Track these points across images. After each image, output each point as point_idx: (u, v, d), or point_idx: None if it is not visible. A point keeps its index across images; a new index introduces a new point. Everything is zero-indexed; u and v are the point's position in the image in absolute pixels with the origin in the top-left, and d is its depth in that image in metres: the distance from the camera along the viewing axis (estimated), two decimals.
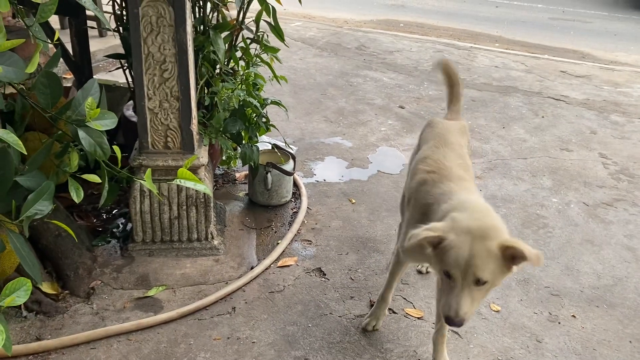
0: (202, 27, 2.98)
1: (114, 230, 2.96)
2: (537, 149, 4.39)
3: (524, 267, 2.86)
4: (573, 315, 2.58)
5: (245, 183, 3.59)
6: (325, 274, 2.77)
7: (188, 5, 2.41)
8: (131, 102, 3.31)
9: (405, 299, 2.63)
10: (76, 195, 2.05)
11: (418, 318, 2.51)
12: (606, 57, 7.71)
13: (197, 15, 3.02)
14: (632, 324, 2.55)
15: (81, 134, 2.03)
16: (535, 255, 1.62)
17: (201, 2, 2.99)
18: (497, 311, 2.58)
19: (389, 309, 2.51)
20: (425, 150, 2.28)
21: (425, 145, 2.33)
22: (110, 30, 2.66)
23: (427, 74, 6.19)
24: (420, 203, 2.06)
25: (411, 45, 7.45)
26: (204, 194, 2.67)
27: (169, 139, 2.59)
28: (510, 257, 1.66)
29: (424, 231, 1.71)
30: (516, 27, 9.47)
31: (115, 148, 2.16)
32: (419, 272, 2.83)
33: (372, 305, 2.55)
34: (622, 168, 4.13)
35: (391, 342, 2.36)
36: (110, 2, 3.00)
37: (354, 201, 3.48)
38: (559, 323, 2.53)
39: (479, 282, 1.65)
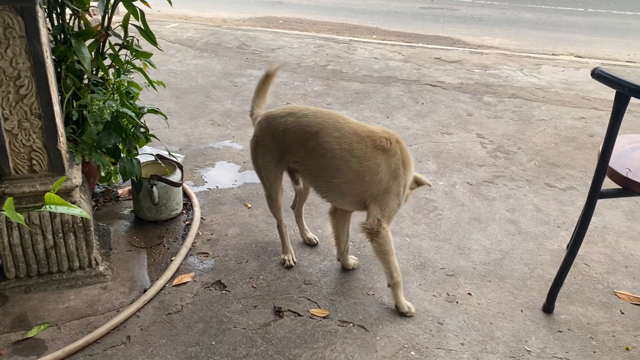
0: (62, 36, 2.73)
1: None
2: (420, 135, 4.56)
3: (420, 252, 2.97)
4: (469, 293, 2.69)
5: (129, 199, 3.36)
6: (225, 286, 2.66)
7: (41, 13, 2.18)
8: None
9: (309, 299, 2.59)
10: None
11: (324, 317, 2.48)
12: (474, 41, 8.23)
13: (56, 23, 2.76)
14: (521, 294, 2.70)
15: None
16: None
17: (59, 8, 2.74)
18: None
19: (294, 312, 2.47)
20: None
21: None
22: None
23: (311, 69, 6.22)
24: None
25: (292, 42, 7.45)
26: (82, 217, 2.44)
27: (34, 162, 2.34)
28: None
29: None
30: (391, 18, 9.83)
31: None
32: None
33: (277, 312, 2.49)
34: (498, 146, 4.40)
35: (299, 347, 2.30)
36: None
37: (249, 205, 3.39)
38: (457, 302, 2.62)
39: None
